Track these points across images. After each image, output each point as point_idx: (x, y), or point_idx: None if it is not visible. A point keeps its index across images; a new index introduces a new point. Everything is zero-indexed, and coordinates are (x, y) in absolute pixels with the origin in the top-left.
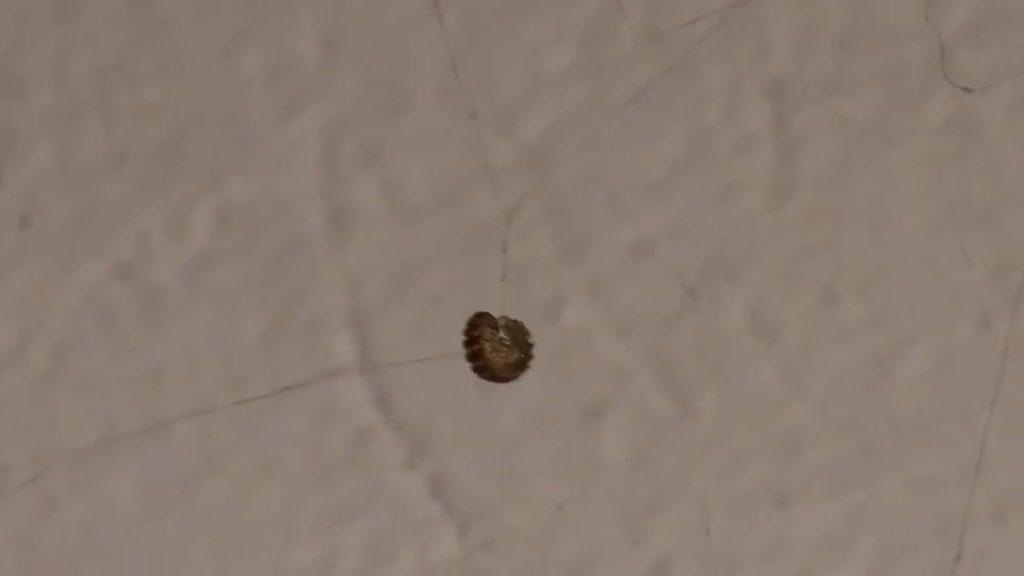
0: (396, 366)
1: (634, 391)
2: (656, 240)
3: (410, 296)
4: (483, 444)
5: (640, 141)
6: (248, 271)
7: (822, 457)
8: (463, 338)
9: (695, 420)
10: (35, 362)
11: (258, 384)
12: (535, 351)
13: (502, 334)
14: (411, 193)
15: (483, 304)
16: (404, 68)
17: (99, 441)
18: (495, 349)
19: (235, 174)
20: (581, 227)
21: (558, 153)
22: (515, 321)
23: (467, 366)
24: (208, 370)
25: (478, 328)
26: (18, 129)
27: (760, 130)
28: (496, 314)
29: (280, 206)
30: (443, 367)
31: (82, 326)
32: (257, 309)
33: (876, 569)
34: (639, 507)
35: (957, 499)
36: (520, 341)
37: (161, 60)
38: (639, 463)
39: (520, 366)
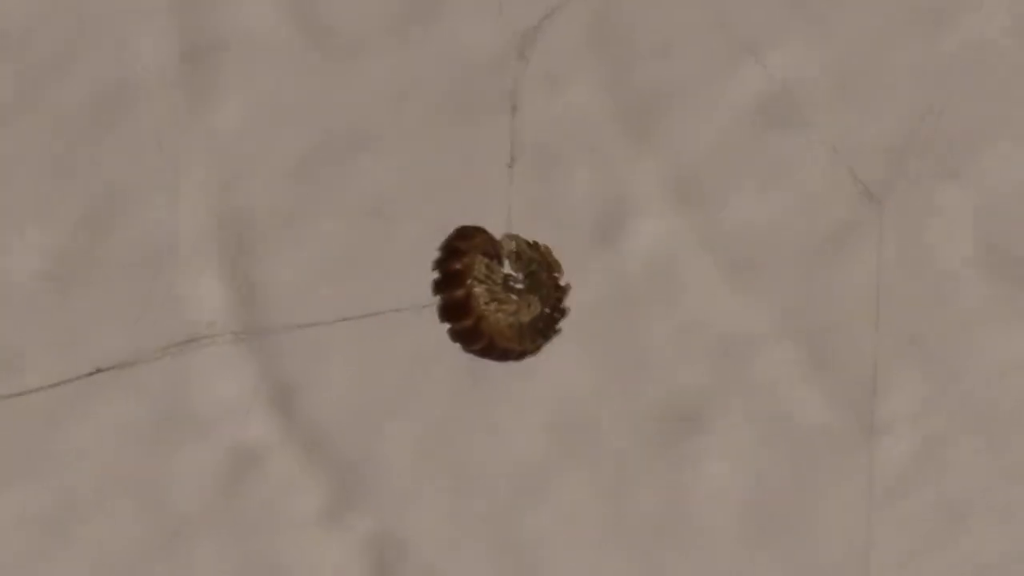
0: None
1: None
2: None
3: (320, 199)
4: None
5: None
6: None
7: None
8: (434, 275)
9: None
10: None
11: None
12: (571, 303)
13: (508, 269)
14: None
15: (475, 214)
16: None
17: None
18: (495, 298)
19: None
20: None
21: None
22: (533, 245)
23: (438, 328)
24: None
25: (461, 258)
26: None
27: None
28: (498, 232)
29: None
30: (384, 335)
31: None
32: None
33: None
34: None
35: None
36: (542, 283)
37: None
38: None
39: (543, 330)
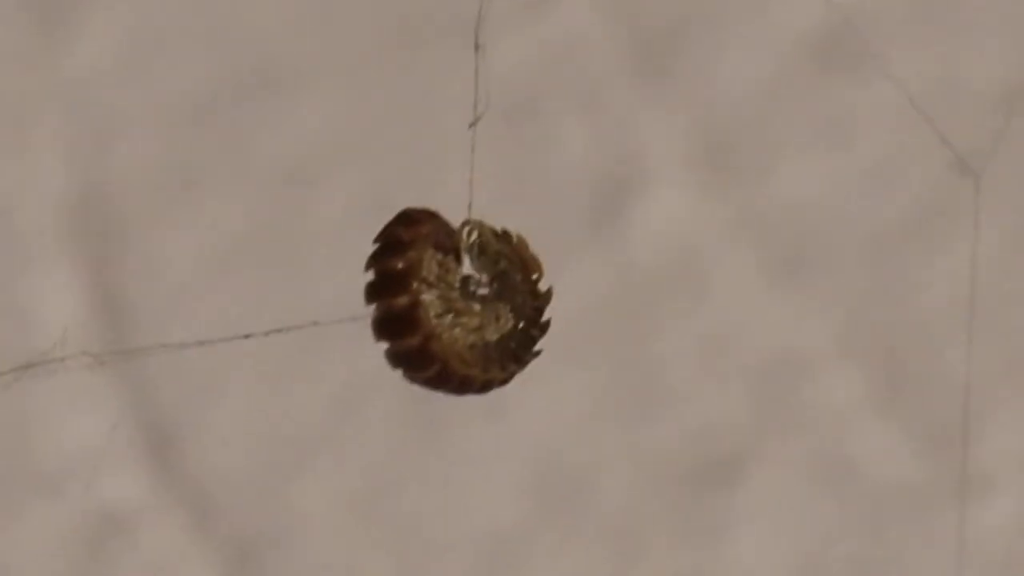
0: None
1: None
2: None
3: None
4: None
5: None
6: None
7: None
8: (368, 276)
9: None
10: None
11: None
12: (555, 314)
13: (468, 268)
14: None
15: (424, 191)
16: None
17: None
18: (450, 308)
19: None
20: None
21: None
22: (503, 235)
23: (373, 349)
24: None
25: (405, 252)
26: None
27: None
28: (455, 218)
29: None
30: (297, 357)
31: None
32: None
33: None
34: None
35: None
36: (514, 287)
37: None
38: None
39: (516, 352)
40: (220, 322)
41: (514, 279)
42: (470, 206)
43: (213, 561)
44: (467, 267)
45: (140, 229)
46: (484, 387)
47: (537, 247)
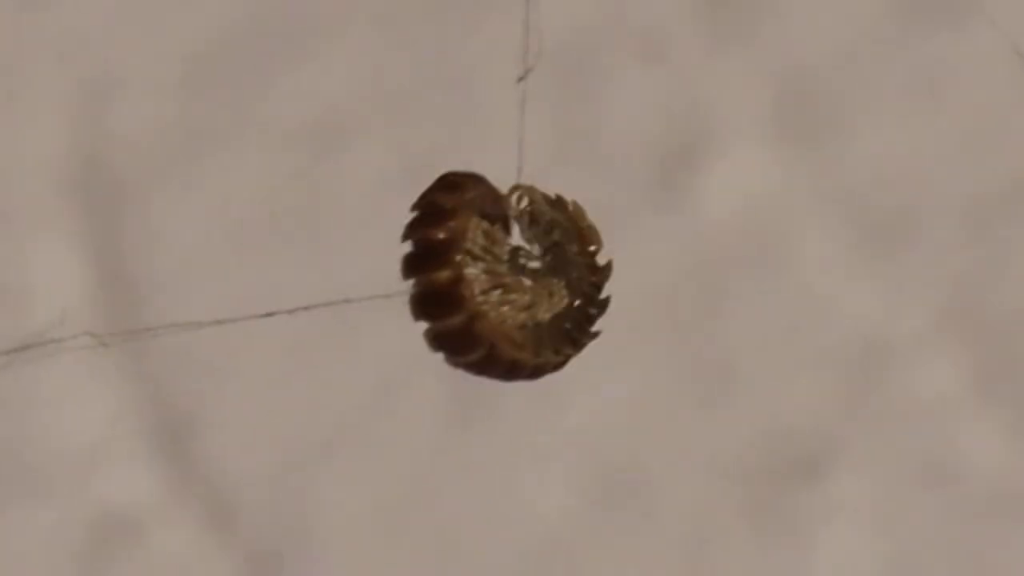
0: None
1: None
2: None
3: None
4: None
5: None
6: None
7: None
8: (406, 247)
9: None
10: None
11: None
12: (615, 290)
13: (518, 239)
14: None
15: (468, 152)
16: None
17: None
18: (498, 283)
19: None
20: None
21: None
22: (556, 201)
23: (411, 329)
24: None
25: (447, 221)
26: None
27: None
28: (503, 183)
29: None
30: (324, 339)
31: None
32: None
33: None
34: None
35: None
36: (569, 260)
37: None
38: None
39: (571, 333)
40: (237, 299)
41: (569, 251)
42: (520, 169)
43: (229, 568)
44: (517, 238)
45: (146, 197)
46: (535, 372)
47: (595, 216)
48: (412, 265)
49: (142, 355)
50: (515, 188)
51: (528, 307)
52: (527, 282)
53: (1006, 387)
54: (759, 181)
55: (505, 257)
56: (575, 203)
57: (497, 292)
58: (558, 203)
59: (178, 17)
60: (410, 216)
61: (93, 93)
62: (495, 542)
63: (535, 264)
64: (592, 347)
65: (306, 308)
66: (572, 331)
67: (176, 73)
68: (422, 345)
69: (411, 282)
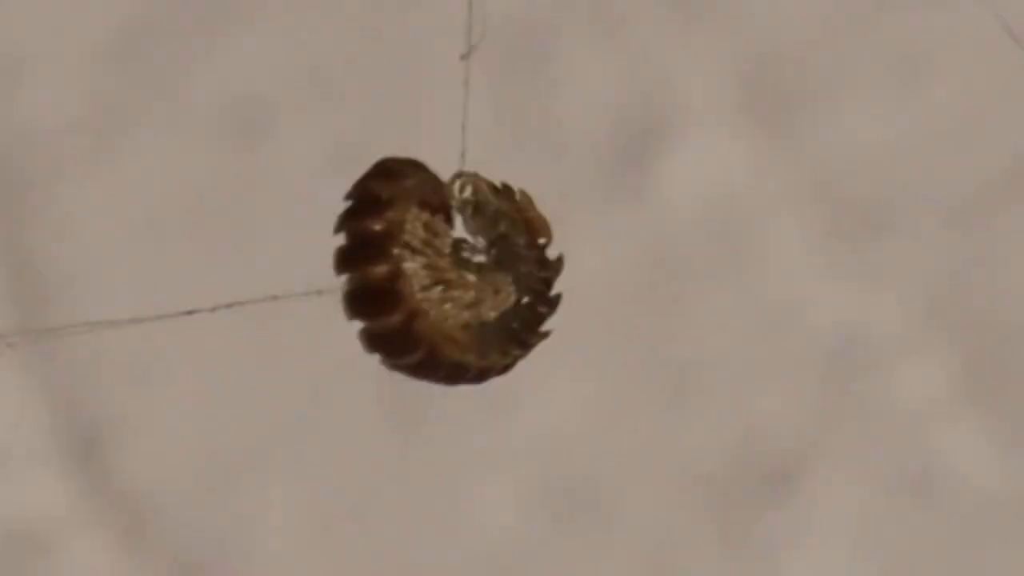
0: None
1: None
2: None
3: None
4: None
5: None
6: None
7: None
8: (339, 240)
9: None
10: None
11: None
12: (566, 287)
13: (461, 231)
14: None
15: (407, 136)
16: None
17: None
18: (439, 279)
19: None
20: None
21: None
22: (503, 190)
23: (344, 329)
24: None
25: (384, 211)
26: None
27: None
28: (445, 170)
29: None
30: (251, 339)
31: None
32: None
33: None
34: None
35: None
36: (516, 254)
37: None
38: None
39: (519, 334)
40: (155, 296)
41: (517, 245)
42: (463, 155)
43: None
44: (460, 230)
45: (53, 185)
46: (480, 376)
47: (544, 206)
48: (346, 259)
49: (50, 357)
50: (458, 175)
51: (472, 305)
52: (471, 278)
53: (993, 391)
54: (725, 169)
55: (447, 251)
56: (523, 192)
57: (438, 288)
58: (504, 192)
59: None
60: (343, 206)
61: (7, 72)
62: (436, 562)
63: (480, 258)
64: (541, 348)
65: (229, 306)
66: (520, 331)
67: (85, 50)
68: (357, 346)
69: (344, 278)
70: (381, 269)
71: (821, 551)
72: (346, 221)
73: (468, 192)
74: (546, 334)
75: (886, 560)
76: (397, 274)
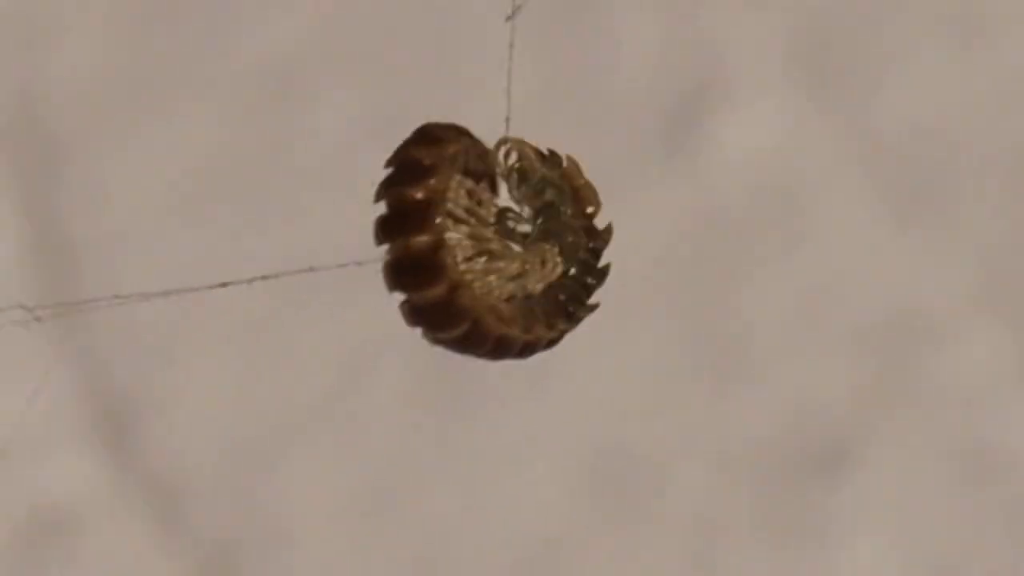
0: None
1: None
2: None
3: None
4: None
5: None
6: None
7: None
8: (379, 209)
9: None
10: None
11: None
12: (615, 255)
13: (506, 200)
14: None
15: (450, 101)
16: None
17: None
18: (483, 250)
19: None
20: None
21: None
22: (549, 157)
23: (385, 301)
24: None
25: (425, 179)
26: None
27: None
28: (490, 135)
29: None
30: (286, 312)
31: None
32: None
33: None
34: None
35: None
36: (563, 224)
37: None
38: None
39: (566, 307)
40: (188, 268)
41: (564, 213)
42: (508, 120)
43: (176, 567)
44: (504, 198)
45: (84, 153)
46: (525, 350)
47: (592, 173)
48: (386, 228)
49: (80, 330)
50: (502, 142)
51: (517, 276)
52: (516, 248)
53: None
54: (776, 134)
55: (491, 220)
56: (570, 158)
57: (482, 259)
58: (551, 159)
59: None
60: (384, 174)
61: (24, 39)
62: (478, 541)
63: (525, 228)
64: (589, 322)
65: (265, 278)
66: (567, 303)
67: (122, 15)
68: (397, 319)
69: (385, 248)
70: (423, 239)
71: (875, 531)
72: (387, 189)
73: (513, 159)
74: (594, 307)
75: (941, 539)
76: (439, 244)
